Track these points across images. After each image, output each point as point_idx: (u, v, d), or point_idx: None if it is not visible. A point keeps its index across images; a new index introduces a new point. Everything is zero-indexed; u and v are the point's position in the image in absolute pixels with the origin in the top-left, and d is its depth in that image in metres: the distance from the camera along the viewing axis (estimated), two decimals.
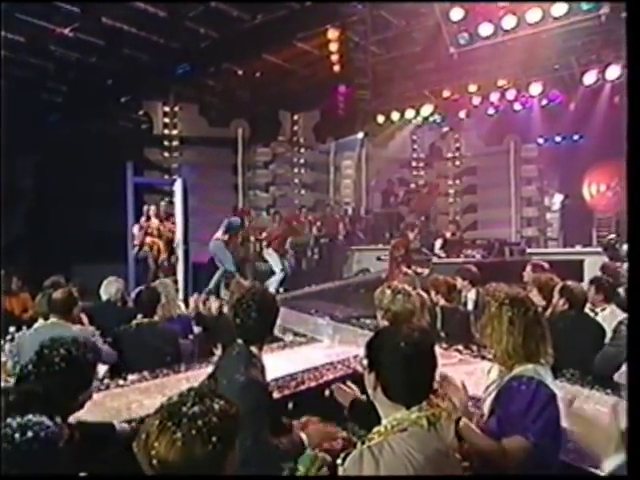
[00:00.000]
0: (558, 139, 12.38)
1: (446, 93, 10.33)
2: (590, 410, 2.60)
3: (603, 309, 3.99)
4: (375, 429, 1.60)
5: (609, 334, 3.51)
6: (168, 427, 1.10)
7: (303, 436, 2.35)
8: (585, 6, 6.88)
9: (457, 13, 7.89)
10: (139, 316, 3.82)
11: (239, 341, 2.35)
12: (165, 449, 1.08)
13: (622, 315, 3.85)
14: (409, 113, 10.67)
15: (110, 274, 4.96)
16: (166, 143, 11.62)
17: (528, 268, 4.94)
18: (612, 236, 9.37)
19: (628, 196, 1.48)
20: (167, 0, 8.13)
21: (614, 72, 8.38)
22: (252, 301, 2.33)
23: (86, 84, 10.09)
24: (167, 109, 11.60)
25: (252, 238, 10.22)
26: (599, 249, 8.53)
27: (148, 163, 11.15)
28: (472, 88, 10.06)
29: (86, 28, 8.50)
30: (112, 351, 3.64)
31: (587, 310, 3.94)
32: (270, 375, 3.07)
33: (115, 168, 7.89)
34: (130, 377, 3.25)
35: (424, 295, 3.76)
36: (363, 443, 1.55)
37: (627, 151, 1.48)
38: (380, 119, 10.89)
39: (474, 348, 3.58)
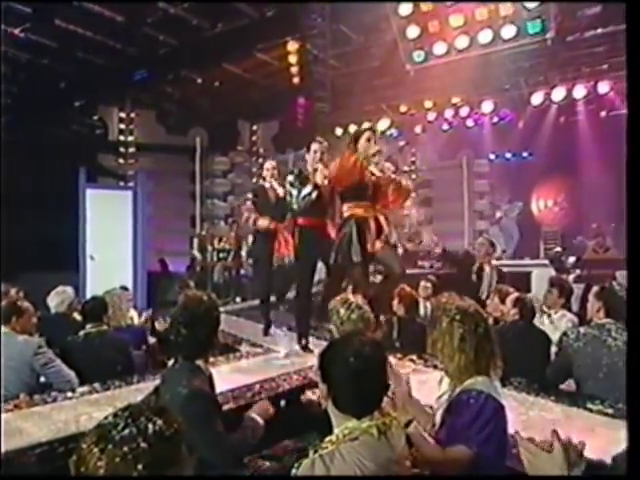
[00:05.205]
0: (508, 155, 12.86)
1: (403, 108, 10.54)
2: (535, 417, 2.72)
3: (555, 312, 4.25)
4: (327, 438, 1.62)
5: (558, 336, 3.68)
6: (93, 453, 1.07)
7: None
8: (532, 30, 7.21)
9: (413, 31, 8.11)
10: (88, 326, 3.71)
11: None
12: (91, 473, 1.07)
13: (569, 317, 4.16)
14: (366, 126, 10.79)
15: (60, 282, 4.78)
16: (121, 149, 11.35)
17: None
18: (558, 249, 9.81)
19: (627, 200, 1.55)
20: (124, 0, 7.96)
21: (559, 94, 8.80)
22: (181, 317, 2.25)
23: (38, 86, 9.76)
24: (123, 115, 11.35)
25: (209, 247, 10.09)
26: (546, 261, 8.89)
27: (102, 169, 10.85)
28: (427, 104, 10.31)
29: (38, 29, 8.25)
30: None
31: (542, 312, 4.24)
32: (226, 386, 3.05)
33: (68, 173, 7.65)
34: (79, 389, 3.15)
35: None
36: (316, 452, 1.57)
37: (627, 155, 1.54)
38: (338, 132, 11.01)
39: (427, 358, 3.66)
